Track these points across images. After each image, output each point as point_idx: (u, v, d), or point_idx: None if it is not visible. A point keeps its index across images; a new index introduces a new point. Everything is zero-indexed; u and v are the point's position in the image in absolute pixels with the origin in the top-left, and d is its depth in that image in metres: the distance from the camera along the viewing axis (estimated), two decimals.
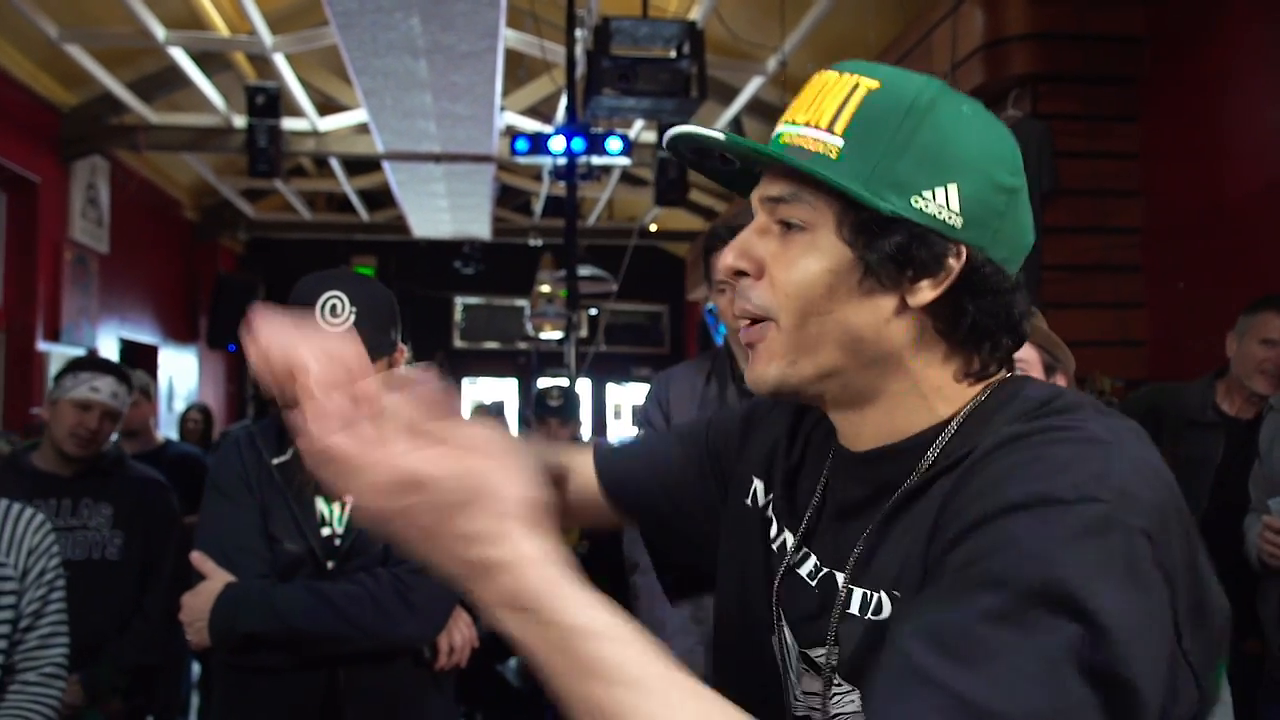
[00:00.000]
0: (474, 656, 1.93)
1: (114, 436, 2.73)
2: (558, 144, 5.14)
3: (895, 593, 0.74)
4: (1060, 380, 1.78)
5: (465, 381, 11.09)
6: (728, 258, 0.79)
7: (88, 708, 2.49)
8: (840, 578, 0.79)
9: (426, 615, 1.76)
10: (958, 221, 0.74)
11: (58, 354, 5.88)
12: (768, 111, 6.19)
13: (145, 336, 7.74)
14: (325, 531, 1.79)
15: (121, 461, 2.78)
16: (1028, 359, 1.75)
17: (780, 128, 0.79)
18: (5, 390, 5.64)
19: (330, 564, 1.77)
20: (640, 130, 6.58)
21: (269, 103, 5.88)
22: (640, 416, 2.28)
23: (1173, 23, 3.62)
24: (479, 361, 11.14)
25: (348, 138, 6.73)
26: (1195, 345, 2.77)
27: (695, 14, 4.84)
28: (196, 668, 4.29)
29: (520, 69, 6.59)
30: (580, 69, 4.89)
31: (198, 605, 1.69)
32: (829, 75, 0.78)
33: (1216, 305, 3.08)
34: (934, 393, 0.78)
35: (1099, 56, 3.72)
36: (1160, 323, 3.69)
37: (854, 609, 0.77)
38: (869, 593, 0.76)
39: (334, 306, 1.69)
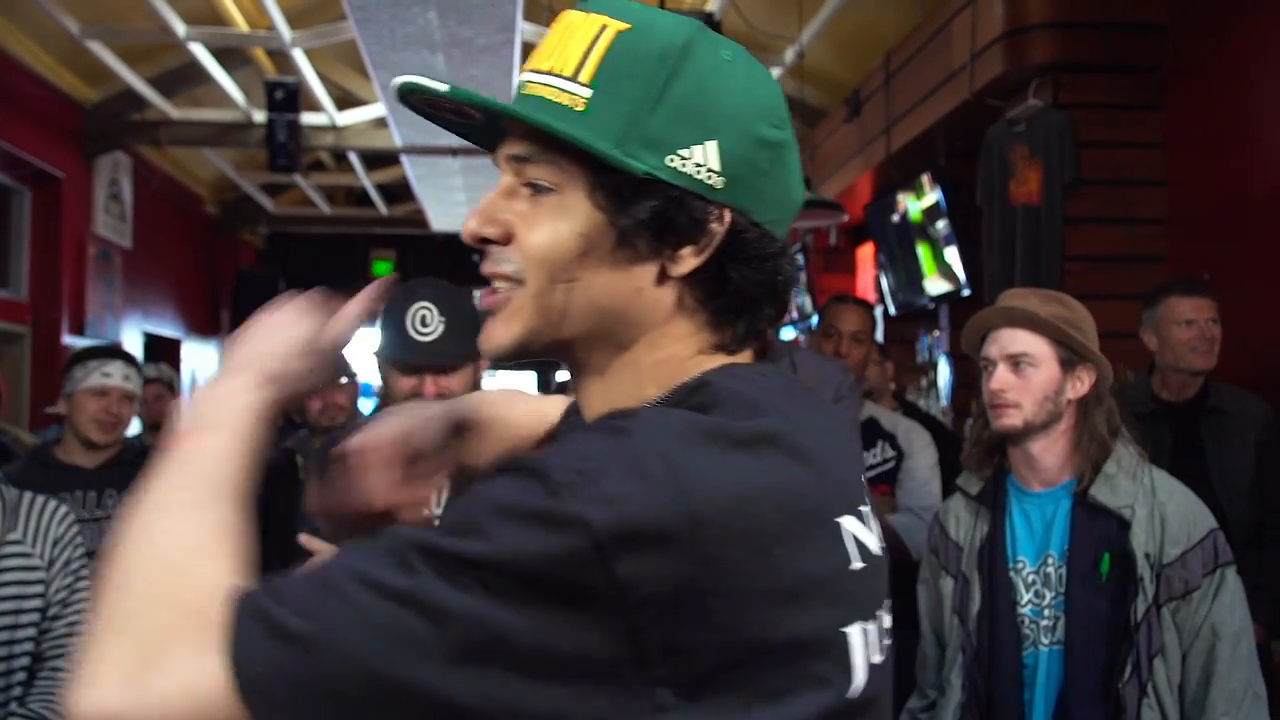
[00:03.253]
0: None
1: (136, 429, 2.76)
2: None
3: None
4: (1084, 376, 1.74)
5: (485, 374, 11.12)
6: (471, 224, 0.71)
7: None
8: None
9: None
10: (719, 182, 0.67)
11: (83, 348, 5.94)
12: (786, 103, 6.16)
13: (168, 330, 7.81)
14: (424, 514, 1.85)
15: (144, 453, 2.82)
16: (1036, 353, 1.72)
17: (523, 75, 0.71)
18: (32, 384, 5.70)
19: None
20: None
21: (288, 98, 5.90)
22: None
23: (1197, 9, 3.58)
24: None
25: (366, 132, 6.75)
26: (1222, 337, 2.75)
27: (712, 5, 4.83)
28: None
29: None
30: None
31: None
32: (574, 15, 0.70)
33: (1244, 297, 3.04)
34: (652, 369, 0.70)
35: (1122, 45, 3.68)
36: None
37: None
38: None
39: (424, 317, 1.78)
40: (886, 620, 0.71)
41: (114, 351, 2.78)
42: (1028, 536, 1.75)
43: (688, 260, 0.68)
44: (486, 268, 0.72)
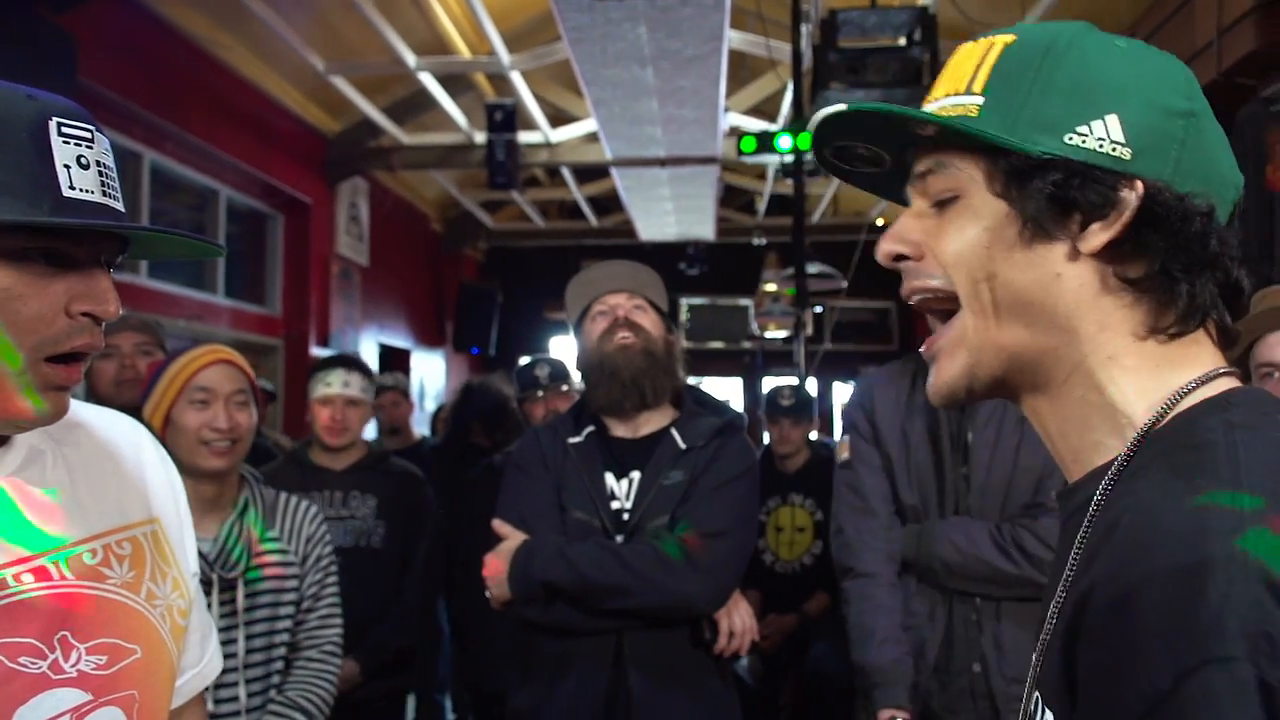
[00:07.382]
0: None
1: (372, 434, 2.95)
2: (786, 142, 5.11)
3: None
4: None
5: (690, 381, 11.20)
6: (885, 245, 0.74)
7: (363, 685, 2.70)
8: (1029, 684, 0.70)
9: (709, 575, 1.80)
10: (1126, 153, 0.66)
11: (317, 361, 6.45)
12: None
13: (400, 341, 8.35)
14: (615, 505, 1.91)
15: (385, 458, 3.01)
16: None
17: (924, 108, 0.74)
18: (286, 391, 6.25)
19: (619, 537, 1.88)
20: None
21: (506, 119, 6.20)
22: (846, 421, 2.24)
23: None
24: (704, 361, 11.24)
25: (578, 147, 6.97)
26: None
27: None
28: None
29: (742, 69, 6.59)
30: (806, 64, 4.83)
31: (498, 562, 1.85)
32: (966, 45, 0.73)
33: None
34: (1108, 366, 0.67)
35: None
36: None
37: None
38: (1048, 712, 0.64)
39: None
40: None
41: (335, 361, 2.98)
42: None
43: (1097, 235, 0.66)
44: (907, 285, 0.75)
